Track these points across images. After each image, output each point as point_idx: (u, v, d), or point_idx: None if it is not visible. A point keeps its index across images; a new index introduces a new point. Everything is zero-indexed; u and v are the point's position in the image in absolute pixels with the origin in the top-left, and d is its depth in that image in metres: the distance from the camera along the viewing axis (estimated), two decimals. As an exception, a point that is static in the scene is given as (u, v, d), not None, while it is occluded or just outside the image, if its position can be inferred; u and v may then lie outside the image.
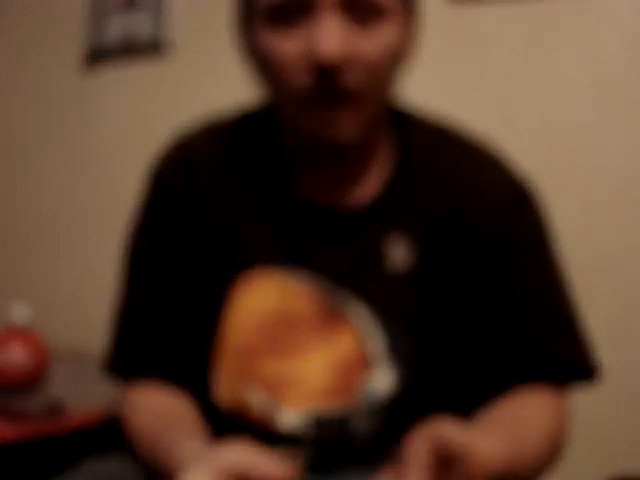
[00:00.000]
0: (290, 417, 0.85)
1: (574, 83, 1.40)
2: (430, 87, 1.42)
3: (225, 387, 0.87)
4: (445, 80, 1.50)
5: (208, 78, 1.79)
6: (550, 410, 0.86)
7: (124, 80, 1.95)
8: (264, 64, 0.82)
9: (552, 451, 0.86)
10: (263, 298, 0.86)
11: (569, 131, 1.41)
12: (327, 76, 0.77)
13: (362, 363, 0.85)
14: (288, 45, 0.79)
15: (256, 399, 0.85)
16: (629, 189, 1.36)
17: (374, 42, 0.79)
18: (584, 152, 1.40)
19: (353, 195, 0.88)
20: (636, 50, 1.35)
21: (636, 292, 1.36)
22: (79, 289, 2.01)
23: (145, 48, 1.89)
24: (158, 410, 0.87)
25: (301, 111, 0.81)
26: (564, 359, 0.87)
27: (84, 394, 1.46)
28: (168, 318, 0.89)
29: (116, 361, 0.92)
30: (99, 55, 1.97)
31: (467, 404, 0.87)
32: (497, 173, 0.90)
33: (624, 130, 1.36)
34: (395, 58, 0.81)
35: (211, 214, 0.89)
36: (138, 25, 1.90)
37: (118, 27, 1.93)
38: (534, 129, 1.43)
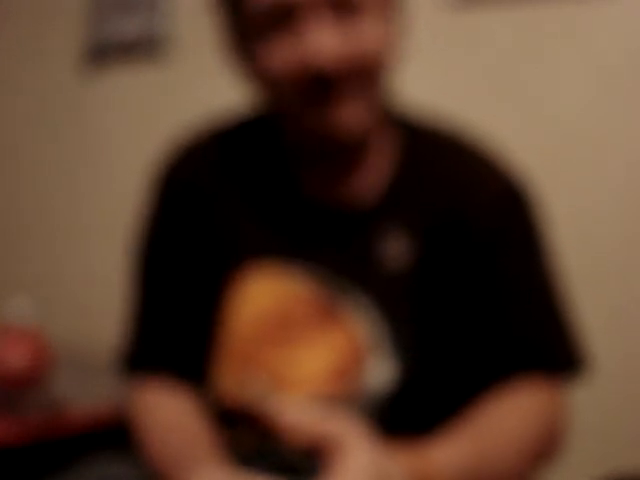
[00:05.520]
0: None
1: (576, 84, 1.41)
2: (432, 88, 1.42)
3: (227, 379, 0.90)
4: (447, 81, 1.50)
5: (209, 78, 1.78)
6: (539, 405, 0.88)
7: (124, 80, 1.95)
8: (259, 78, 0.85)
9: (542, 447, 0.87)
10: (265, 294, 0.89)
11: (570, 132, 1.41)
12: (323, 80, 0.79)
13: (360, 356, 0.87)
14: (279, 54, 0.81)
15: (254, 389, 0.88)
16: (630, 187, 1.37)
17: (356, 39, 0.80)
18: (585, 151, 1.40)
19: (355, 195, 0.90)
20: (636, 51, 1.35)
21: (636, 287, 1.36)
22: (81, 285, 2.01)
23: (145, 48, 1.89)
24: (177, 421, 0.89)
25: (301, 115, 0.83)
26: (549, 348, 0.90)
27: (86, 392, 1.46)
28: (182, 313, 0.92)
29: (134, 356, 0.94)
30: (98, 55, 1.97)
31: (464, 398, 0.89)
32: (491, 173, 0.92)
33: (625, 129, 1.37)
34: (378, 55, 0.83)
35: (218, 215, 0.92)
36: (138, 25, 1.90)
37: (117, 26, 1.93)
38: (535, 130, 1.44)
